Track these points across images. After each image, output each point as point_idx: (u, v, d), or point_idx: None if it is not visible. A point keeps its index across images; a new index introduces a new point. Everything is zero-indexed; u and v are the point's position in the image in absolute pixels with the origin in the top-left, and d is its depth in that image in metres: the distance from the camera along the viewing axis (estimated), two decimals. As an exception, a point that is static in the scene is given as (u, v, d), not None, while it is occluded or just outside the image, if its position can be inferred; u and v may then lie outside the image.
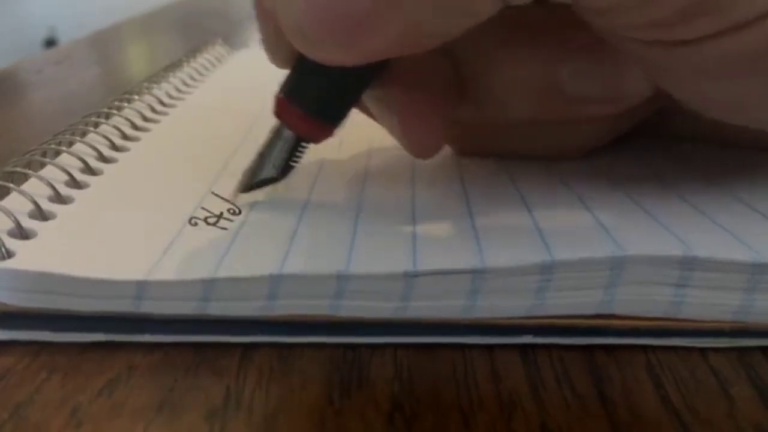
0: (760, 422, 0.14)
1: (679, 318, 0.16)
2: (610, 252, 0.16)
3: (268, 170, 0.19)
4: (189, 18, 0.72)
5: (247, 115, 0.28)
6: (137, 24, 0.68)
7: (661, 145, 0.24)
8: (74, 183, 0.20)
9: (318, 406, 0.14)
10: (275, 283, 0.16)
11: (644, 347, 0.16)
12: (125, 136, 0.25)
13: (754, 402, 0.14)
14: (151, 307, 0.16)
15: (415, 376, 0.15)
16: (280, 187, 0.20)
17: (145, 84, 0.30)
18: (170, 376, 0.15)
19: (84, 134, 0.24)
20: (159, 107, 0.29)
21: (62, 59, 0.49)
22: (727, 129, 0.20)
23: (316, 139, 0.19)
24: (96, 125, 0.25)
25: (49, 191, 0.19)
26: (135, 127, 0.26)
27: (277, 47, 0.19)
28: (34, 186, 0.20)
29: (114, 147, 0.24)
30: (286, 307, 0.16)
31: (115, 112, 0.26)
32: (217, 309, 0.16)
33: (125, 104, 0.27)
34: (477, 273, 0.15)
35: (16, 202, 0.19)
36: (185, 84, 0.33)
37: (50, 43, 1.99)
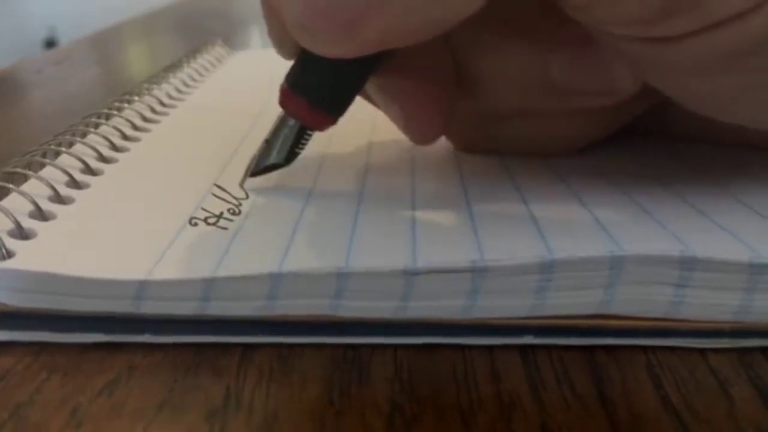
0: (759, 422, 0.14)
1: (679, 318, 0.16)
2: (609, 251, 0.16)
3: (274, 156, 0.20)
4: (189, 18, 0.72)
5: (247, 116, 0.28)
6: (137, 24, 0.68)
7: (660, 144, 0.24)
8: (74, 183, 0.20)
9: (318, 407, 0.14)
10: (275, 282, 0.16)
11: (644, 347, 0.16)
12: (125, 137, 0.25)
13: (754, 402, 0.14)
14: (151, 307, 0.16)
15: (415, 377, 0.15)
16: (285, 175, 0.20)
17: (145, 84, 0.30)
18: (170, 376, 0.15)
19: (84, 135, 0.24)
20: (159, 108, 0.29)
21: (62, 59, 0.49)
22: (720, 128, 0.20)
23: (320, 128, 0.20)
24: (96, 126, 0.25)
25: (49, 192, 0.19)
26: (135, 127, 0.26)
27: (283, 41, 0.19)
28: (34, 186, 0.20)
29: (114, 147, 0.24)
30: (286, 307, 0.16)
31: (115, 112, 0.26)
32: (217, 309, 0.16)
33: (125, 105, 0.27)
34: (477, 272, 0.15)
35: (16, 202, 0.19)
36: (185, 84, 0.33)
37: (50, 43, 2.00)
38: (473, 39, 0.20)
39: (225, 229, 0.18)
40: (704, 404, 0.14)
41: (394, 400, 0.14)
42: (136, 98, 0.28)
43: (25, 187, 0.19)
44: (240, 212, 0.19)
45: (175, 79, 0.33)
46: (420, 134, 0.20)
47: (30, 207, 0.18)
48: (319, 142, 0.24)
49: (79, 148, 0.23)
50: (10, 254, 0.16)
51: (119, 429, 0.13)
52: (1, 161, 0.21)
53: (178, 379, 0.15)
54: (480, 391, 0.14)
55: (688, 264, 0.16)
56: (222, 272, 0.16)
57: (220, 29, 0.58)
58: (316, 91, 0.19)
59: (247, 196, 0.19)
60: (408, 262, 0.16)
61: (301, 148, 0.20)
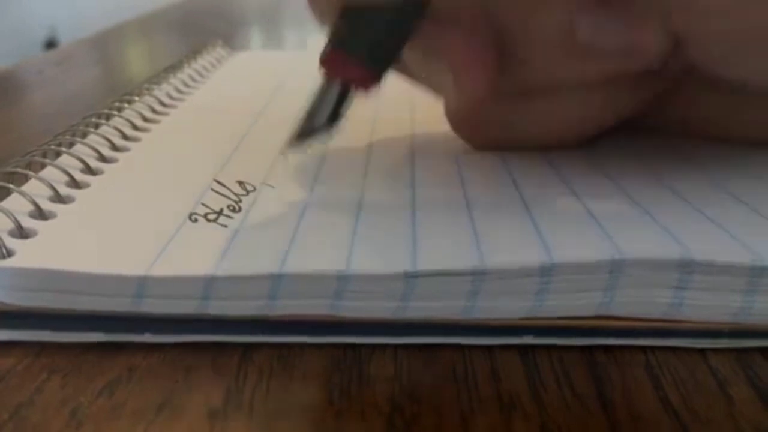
0: (759, 422, 0.14)
1: (679, 319, 0.16)
2: (609, 255, 0.16)
3: (320, 120, 0.19)
4: (189, 19, 0.72)
5: (248, 116, 0.28)
6: (138, 25, 0.68)
7: (661, 143, 0.24)
8: (74, 183, 0.20)
9: (318, 407, 0.14)
10: (275, 282, 0.16)
11: (644, 348, 0.16)
12: (125, 137, 0.25)
13: (754, 402, 0.14)
14: (151, 305, 0.16)
15: (415, 377, 0.15)
16: (284, 174, 0.20)
17: (146, 85, 0.30)
18: (170, 376, 0.15)
19: (84, 135, 0.24)
20: (159, 108, 0.29)
21: (63, 60, 0.49)
22: (720, 123, 0.20)
23: (365, 87, 0.19)
24: (96, 126, 0.25)
25: (49, 191, 0.19)
26: (135, 127, 0.26)
27: (324, 3, 0.19)
28: (34, 186, 0.20)
29: (114, 147, 0.24)
30: (286, 306, 0.16)
31: (115, 113, 0.26)
32: (217, 308, 0.16)
33: (125, 105, 0.27)
34: (477, 275, 0.15)
35: (16, 202, 0.19)
36: (185, 85, 0.33)
37: (51, 43, 1.99)
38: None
39: (225, 226, 0.18)
40: (704, 404, 0.14)
41: (394, 400, 0.14)
42: (137, 98, 0.28)
43: (25, 187, 0.20)
44: (240, 209, 0.19)
45: (175, 80, 0.33)
46: (472, 88, 0.20)
47: (30, 207, 0.18)
48: (319, 144, 0.24)
49: (79, 148, 0.23)
50: (10, 253, 0.16)
51: (119, 429, 0.13)
52: (2, 161, 0.21)
53: (178, 380, 0.15)
54: (480, 391, 0.14)
55: (688, 267, 0.16)
56: (222, 270, 0.16)
57: (220, 30, 0.58)
58: (361, 49, 0.19)
59: (247, 193, 0.19)
60: (408, 264, 0.16)
61: (344, 111, 0.19)
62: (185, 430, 0.13)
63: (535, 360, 0.15)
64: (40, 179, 0.20)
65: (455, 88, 0.20)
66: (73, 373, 0.15)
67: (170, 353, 0.15)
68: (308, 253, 0.17)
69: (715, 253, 0.16)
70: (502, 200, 0.20)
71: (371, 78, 0.19)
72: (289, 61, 0.39)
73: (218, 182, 0.20)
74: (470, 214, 0.18)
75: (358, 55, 0.19)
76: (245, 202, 0.19)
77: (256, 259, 0.16)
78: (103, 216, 0.19)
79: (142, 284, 0.15)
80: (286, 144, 0.20)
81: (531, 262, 0.16)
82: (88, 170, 0.21)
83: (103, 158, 0.22)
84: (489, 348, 0.16)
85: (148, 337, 0.16)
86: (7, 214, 0.18)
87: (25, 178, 0.20)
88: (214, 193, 0.20)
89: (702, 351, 0.16)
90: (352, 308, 0.16)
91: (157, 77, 0.32)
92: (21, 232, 0.17)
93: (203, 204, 0.19)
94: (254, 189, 0.20)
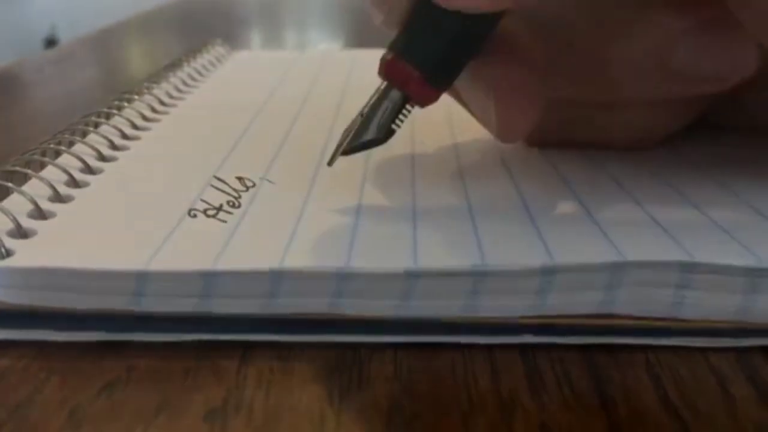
0: (759, 421, 0.14)
1: (680, 318, 0.16)
2: (610, 257, 0.16)
3: (373, 132, 0.18)
4: (189, 17, 0.72)
5: (247, 115, 0.28)
6: (138, 23, 0.68)
7: (661, 144, 0.24)
8: (74, 182, 0.20)
9: (318, 406, 0.14)
10: (275, 278, 0.16)
11: (644, 347, 0.16)
12: (125, 136, 0.25)
13: (754, 401, 0.14)
14: (150, 303, 0.16)
15: (414, 376, 0.15)
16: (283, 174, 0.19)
17: (146, 83, 0.30)
18: (170, 376, 0.15)
19: (84, 134, 0.24)
20: (159, 107, 0.29)
21: (63, 58, 0.49)
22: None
23: (425, 101, 0.18)
24: (96, 125, 0.25)
25: (48, 191, 0.19)
26: (135, 126, 0.26)
27: (393, 2, 0.18)
28: (33, 186, 0.20)
29: (114, 146, 0.24)
30: (286, 304, 0.16)
31: (115, 111, 0.26)
32: (217, 306, 0.16)
33: (125, 104, 0.27)
34: (478, 275, 0.15)
35: (15, 201, 0.19)
36: (185, 83, 0.33)
37: (51, 42, 2.00)
38: (598, 25, 0.19)
39: (224, 222, 0.18)
40: (704, 403, 0.14)
41: (393, 399, 0.14)
42: (137, 97, 0.28)
43: (24, 186, 0.19)
44: (240, 205, 0.19)
45: (175, 78, 0.33)
46: (513, 126, 0.19)
47: (29, 206, 0.18)
48: (319, 142, 0.24)
49: (79, 147, 0.23)
50: (9, 253, 0.16)
51: (118, 429, 0.13)
52: (1, 160, 0.21)
53: (177, 380, 0.15)
54: (480, 390, 0.14)
55: (689, 267, 0.16)
56: (222, 265, 0.16)
57: (220, 28, 0.58)
58: (426, 61, 0.18)
59: (247, 189, 0.19)
60: (409, 263, 0.16)
61: (399, 125, 0.19)
62: (185, 429, 0.13)
63: (535, 359, 0.15)
64: (40, 178, 0.20)
65: (497, 120, 0.19)
66: (73, 373, 0.15)
67: (170, 353, 0.15)
68: (308, 249, 0.17)
69: (716, 255, 0.16)
70: (503, 200, 0.19)
71: (431, 93, 0.18)
72: (289, 61, 0.39)
73: (217, 178, 0.20)
74: (471, 214, 0.18)
75: (422, 68, 0.18)
76: (245, 197, 0.19)
77: (256, 254, 0.16)
78: (103, 214, 0.19)
79: (140, 279, 0.15)
80: (333, 154, 0.19)
81: (532, 263, 0.16)
82: (88, 169, 0.21)
83: (102, 157, 0.22)
84: (489, 347, 0.16)
85: (147, 336, 0.16)
86: (7, 213, 0.18)
87: (25, 177, 0.20)
88: (213, 189, 0.20)
89: (702, 350, 0.16)
90: (353, 306, 0.16)
91: (157, 76, 0.32)
92: (20, 232, 0.17)
93: (202, 200, 0.19)
94: (254, 185, 0.20)
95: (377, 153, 0.23)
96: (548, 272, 0.15)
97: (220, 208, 0.19)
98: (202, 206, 0.19)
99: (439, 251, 0.16)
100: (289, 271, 0.16)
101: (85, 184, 0.21)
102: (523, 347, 0.16)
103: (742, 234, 0.17)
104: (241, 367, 0.15)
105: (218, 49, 0.40)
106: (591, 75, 0.20)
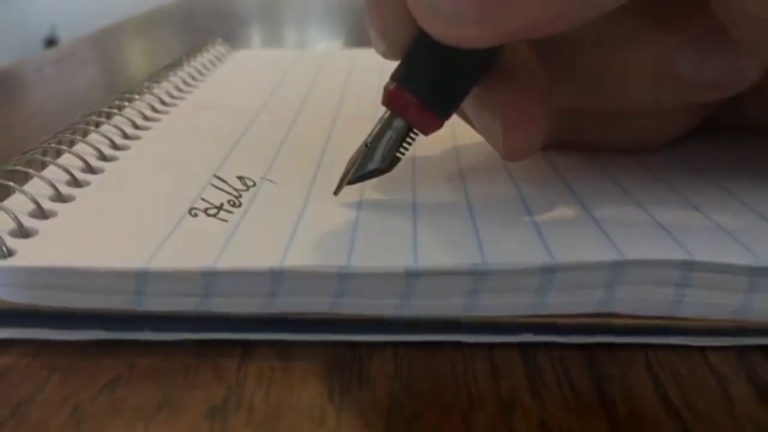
0: (759, 420, 0.14)
1: (679, 317, 0.16)
2: (610, 256, 0.16)
3: (377, 162, 0.19)
4: (189, 17, 0.72)
5: (247, 113, 0.28)
6: (138, 23, 0.68)
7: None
8: (75, 182, 0.20)
9: (318, 405, 0.14)
10: (276, 277, 0.16)
11: (644, 346, 0.16)
12: (126, 135, 0.25)
13: (753, 400, 0.14)
14: (151, 302, 0.16)
15: (415, 375, 0.15)
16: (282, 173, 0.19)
17: (146, 83, 0.30)
18: (170, 375, 0.15)
19: (85, 133, 0.24)
20: (160, 106, 0.29)
21: (63, 58, 0.49)
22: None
23: (428, 130, 0.19)
24: (97, 124, 0.25)
25: (50, 190, 0.19)
26: (136, 126, 0.26)
27: (393, 34, 0.18)
28: (35, 185, 0.20)
29: (115, 146, 0.24)
30: (287, 303, 0.16)
31: (115, 111, 0.26)
32: (218, 305, 0.16)
33: (126, 103, 0.27)
34: (478, 274, 0.16)
35: (16, 201, 0.19)
36: (186, 83, 0.33)
37: (51, 41, 2.00)
38: (601, 36, 0.19)
39: (225, 221, 0.18)
40: (704, 402, 0.14)
41: (393, 397, 0.14)
42: (137, 97, 0.28)
43: (26, 185, 0.20)
44: (240, 204, 0.19)
45: (175, 78, 0.33)
46: (518, 148, 0.19)
47: (31, 206, 0.18)
48: (319, 141, 0.24)
49: (80, 146, 0.23)
50: (11, 253, 0.16)
51: (120, 427, 0.13)
52: (2, 160, 0.21)
53: (178, 378, 0.15)
54: (480, 389, 0.14)
55: (689, 266, 0.16)
56: (222, 264, 0.16)
57: (220, 28, 0.58)
58: (428, 91, 0.18)
59: (248, 188, 0.19)
60: (409, 262, 0.16)
61: (403, 153, 0.19)
62: (185, 428, 0.13)
63: (536, 358, 0.15)
64: (41, 178, 0.20)
65: (503, 143, 0.19)
66: (74, 371, 0.15)
67: (170, 351, 0.16)
68: (309, 248, 0.17)
69: (716, 254, 0.16)
70: (502, 199, 0.19)
71: (435, 122, 0.18)
72: (289, 60, 0.39)
73: (218, 177, 0.20)
74: (471, 213, 0.18)
75: (424, 97, 0.18)
76: (245, 197, 0.19)
77: (257, 253, 0.16)
78: (104, 214, 0.19)
79: (141, 278, 0.15)
80: (339, 184, 0.19)
81: (532, 262, 0.16)
82: (89, 169, 0.21)
83: (103, 156, 0.22)
84: (489, 346, 0.16)
85: (148, 335, 0.16)
86: (8, 213, 0.18)
87: (26, 177, 0.20)
88: (214, 188, 0.20)
89: (702, 349, 0.16)
90: (353, 305, 0.16)
91: (158, 75, 0.32)
92: (22, 231, 0.17)
93: (203, 199, 0.19)
94: (254, 184, 0.20)
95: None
96: (548, 271, 0.16)
97: (220, 208, 0.19)
98: (202, 205, 0.19)
99: (440, 250, 0.16)
100: (289, 271, 0.16)
101: (86, 184, 0.21)
102: (523, 346, 0.16)
103: (742, 234, 0.17)
104: (241, 366, 0.15)
105: (218, 49, 0.40)
106: (595, 88, 0.20)
